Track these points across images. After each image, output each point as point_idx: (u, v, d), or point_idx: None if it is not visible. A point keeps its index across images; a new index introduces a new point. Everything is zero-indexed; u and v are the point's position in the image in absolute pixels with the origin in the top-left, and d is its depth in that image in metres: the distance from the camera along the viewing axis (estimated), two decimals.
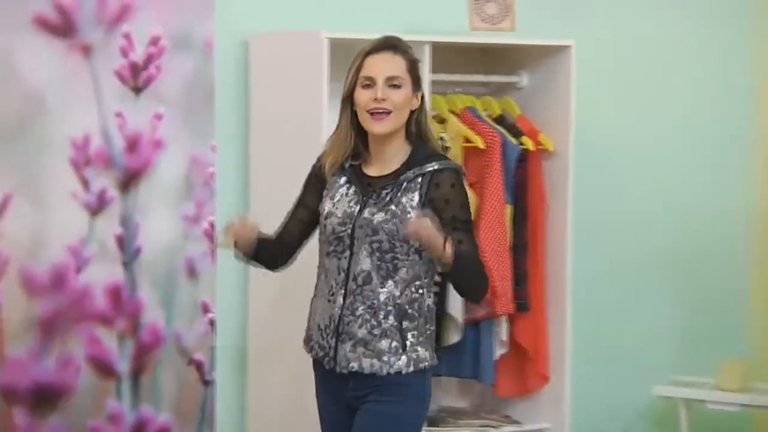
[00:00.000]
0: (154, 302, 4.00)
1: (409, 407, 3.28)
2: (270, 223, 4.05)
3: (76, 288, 3.88)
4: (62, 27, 3.83)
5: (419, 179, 3.27)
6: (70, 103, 3.86)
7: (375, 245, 3.25)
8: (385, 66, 3.24)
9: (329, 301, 3.29)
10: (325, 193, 3.36)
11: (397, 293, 3.26)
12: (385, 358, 3.24)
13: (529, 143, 4.28)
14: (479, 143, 4.17)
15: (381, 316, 3.24)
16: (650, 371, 4.88)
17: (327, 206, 3.34)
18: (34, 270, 3.83)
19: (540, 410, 4.42)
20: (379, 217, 3.25)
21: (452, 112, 4.26)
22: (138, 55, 3.93)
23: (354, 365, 3.26)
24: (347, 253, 3.27)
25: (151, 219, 3.99)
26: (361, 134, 3.32)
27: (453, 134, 4.18)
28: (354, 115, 3.30)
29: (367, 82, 3.25)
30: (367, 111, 3.25)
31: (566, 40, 4.33)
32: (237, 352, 4.32)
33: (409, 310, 3.27)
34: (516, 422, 4.38)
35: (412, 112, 3.30)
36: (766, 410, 4.71)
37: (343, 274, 3.28)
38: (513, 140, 4.24)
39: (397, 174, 3.29)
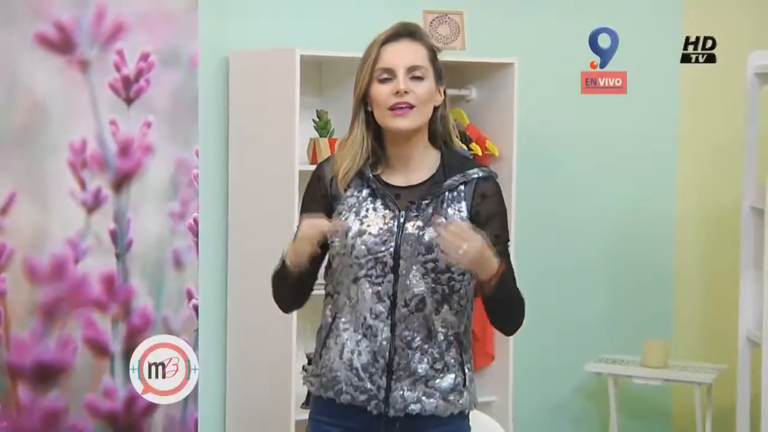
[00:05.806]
0: (143, 290, 4.06)
1: None
2: (248, 220, 4.22)
3: (74, 277, 3.96)
4: (62, 44, 3.91)
5: (462, 187, 2.72)
6: (69, 113, 3.93)
7: (429, 265, 2.66)
8: (405, 55, 2.68)
9: (365, 335, 2.67)
10: (339, 209, 2.72)
11: (455, 320, 2.70)
12: (451, 398, 2.71)
13: (477, 149, 4.44)
14: None
15: (443, 348, 2.69)
16: (584, 351, 4.97)
17: (352, 224, 2.69)
18: (36, 260, 3.91)
19: (487, 385, 4.50)
20: (431, 232, 2.65)
21: None
22: (130, 70, 4.00)
23: (414, 407, 2.67)
24: (390, 276, 2.66)
25: (142, 215, 4.05)
26: (378, 138, 2.73)
27: None
28: (369, 116, 2.71)
29: (386, 75, 2.67)
30: (388, 107, 2.67)
31: (510, 58, 4.45)
32: (217, 334, 4.41)
33: (464, 341, 2.75)
34: None
35: (435, 109, 2.73)
36: (684, 384, 4.79)
37: (387, 301, 2.66)
38: (463, 146, 4.28)
39: (434, 181, 2.71)
